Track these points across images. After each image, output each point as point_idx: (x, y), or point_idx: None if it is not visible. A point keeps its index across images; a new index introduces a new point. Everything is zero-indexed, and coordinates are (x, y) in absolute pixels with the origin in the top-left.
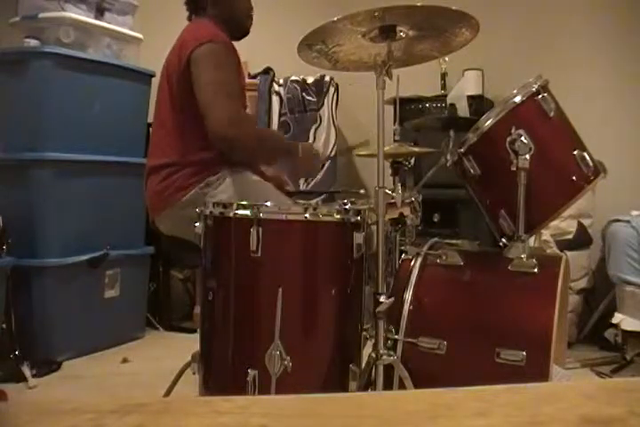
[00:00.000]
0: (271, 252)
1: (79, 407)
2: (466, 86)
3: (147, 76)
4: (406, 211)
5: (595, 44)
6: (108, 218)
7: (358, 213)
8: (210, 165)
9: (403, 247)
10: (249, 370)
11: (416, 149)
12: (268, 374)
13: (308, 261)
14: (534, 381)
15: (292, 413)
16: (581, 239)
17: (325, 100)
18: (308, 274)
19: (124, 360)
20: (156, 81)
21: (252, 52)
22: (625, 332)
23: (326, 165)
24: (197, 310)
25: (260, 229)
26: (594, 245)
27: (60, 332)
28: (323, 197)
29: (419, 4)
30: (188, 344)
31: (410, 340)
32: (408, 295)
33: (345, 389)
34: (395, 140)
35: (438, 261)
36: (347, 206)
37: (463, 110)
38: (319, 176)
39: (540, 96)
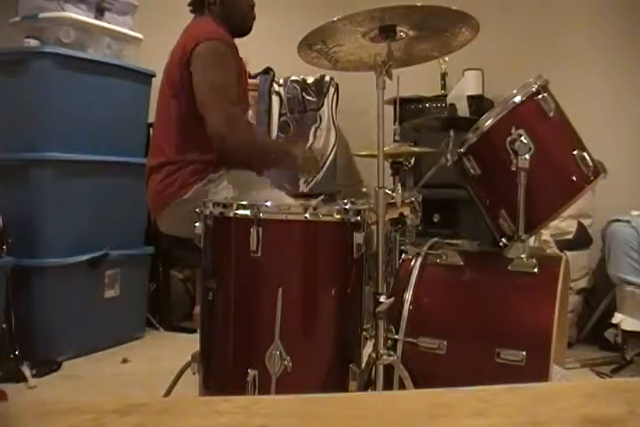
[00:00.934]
0: (271, 252)
1: (79, 407)
2: (466, 86)
3: (147, 76)
4: (406, 211)
5: (595, 43)
6: (107, 218)
7: (358, 213)
8: (211, 163)
9: (403, 247)
10: (249, 370)
11: (416, 149)
12: (267, 374)
13: (308, 262)
14: (534, 381)
15: (292, 413)
16: (581, 239)
17: (325, 100)
18: (308, 274)
19: (124, 360)
20: (155, 81)
21: (252, 52)
22: (625, 332)
23: (326, 165)
24: (197, 310)
25: (260, 229)
26: (594, 245)
27: (60, 332)
28: (322, 197)
29: (419, 4)
30: (188, 344)
31: (410, 340)
32: (408, 295)
33: (345, 389)
34: (395, 141)
35: (438, 261)
36: (347, 206)
37: (463, 110)
38: (319, 176)
39: (539, 96)
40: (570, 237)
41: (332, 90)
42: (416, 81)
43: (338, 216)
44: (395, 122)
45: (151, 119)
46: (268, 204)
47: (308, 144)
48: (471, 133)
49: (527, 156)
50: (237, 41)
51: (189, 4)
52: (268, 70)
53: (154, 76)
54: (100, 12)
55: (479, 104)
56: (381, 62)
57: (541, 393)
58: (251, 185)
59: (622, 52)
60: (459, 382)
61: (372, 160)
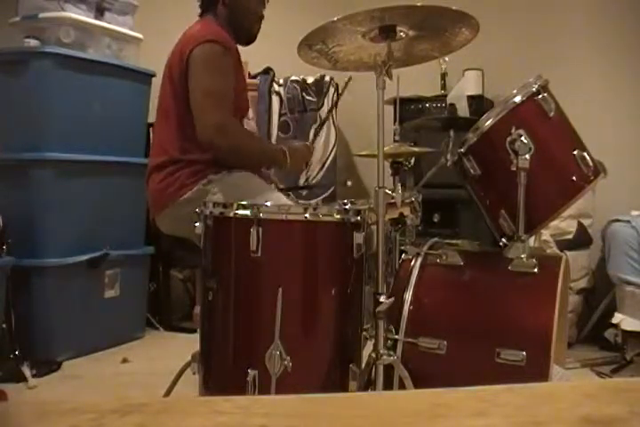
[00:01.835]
0: (271, 252)
1: (79, 407)
2: (466, 86)
3: (147, 76)
4: (406, 211)
5: (595, 43)
6: (107, 218)
7: (358, 213)
8: (212, 163)
9: (403, 247)
10: (249, 370)
11: (416, 149)
12: (267, 374)
13: (308, 261)
14: (534, 381)
15: (291, 413)
16: (581, 239)
17: (325, 100)
18: (308, 274)
19: (124, 360)
20: (155, 81)
21: (252, 52)
22: (625, 332)
23: (326, 165)
24: (197, 310)
25: (260, 229)
26: (594, 245)
27: (60, 332)
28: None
29: (419, 4)
30: (188, 344)
31: (410, 340)
32: (408, 295)
33: (345, 389)
34: (395, 141)
35: (438, 261)
36: (347, 206)
37: (463, 110)
38: (319, 177)
39: (539, 96)
40: (570, 237)
41: (331, 90)
42: (416, 81)
43: (338, 216)
44: (395, 122)
45: (151, 119)
46: (268, 204)
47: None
48: (471, 133)
49: (527, 156)
50: None
51: (199, 1)
52: (267, 70)
53: (154, 76)
54: (100, 12)
55: (479, 104)
56: (381, 62)
57: (541, 393)
58: (251, 187)
59: (622, 52)
60: (459, 382)
61: (372, 160)
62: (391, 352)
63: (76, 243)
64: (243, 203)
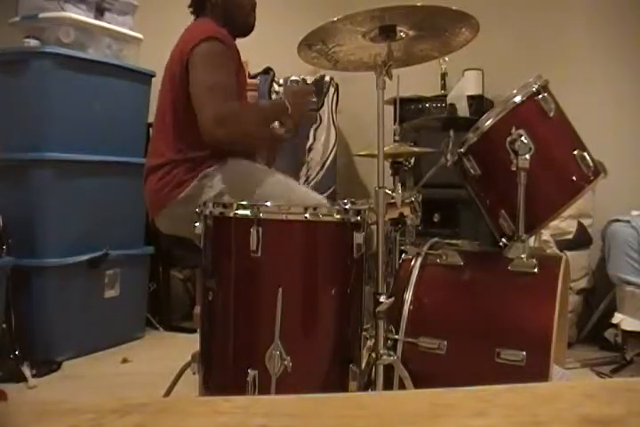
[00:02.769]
0: (271, 252)
1: (79, 407)
2: (466, 86)
3: (147, 76)
4: (406, 211)
5: (595, 43)
6: (108, 218)
7: (358, 213)
8: (205, 159)
9: (403, 247)
10: (249, 370)
11: (416, 149)
12: (267, 374)
13: (307, 262)
14: (534, 381)
15: (292, 413)
16: (581, 239)
17: (325, 100)
18: (308, 274)
19: (124, 360)
20: (155, 81)
21: (252, 52)
22: (625, 332)
23: (326, 165)
24: (197, 310)
25: (260, 229)
26: (594, 245)
27: (60, 332)
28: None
29: (419, 4)
30: (188, 344)
31: (410, 340)
32: (408, 295)
33: (345, 389)
34: (395, 141)
35: (438, 261)
36: (347, 206)
37: (463, 110)
38: (319, 177)
39: (540, 96)
40: (570, 237)
41: (331, 90)
42: (416, 81)
43: (338, 216)
44: (395, 122)
45: (151, 119)
46: (268, 204)
47: (310, 143)
48: (471, 133)
49: (527, 156)
50: (237, 42)
51: (190, 6)
52: (268, 70)
53: (154, 76)
54: (99, 12)
55: (479, 104)
56: (381, 62)
57: (541, 393)
58: (250, 170)
59: (622, 52)
60: (459, 382)
61: (372, 160)
62: (391, 352)
63: (75, 243)
64: (243, 203)
